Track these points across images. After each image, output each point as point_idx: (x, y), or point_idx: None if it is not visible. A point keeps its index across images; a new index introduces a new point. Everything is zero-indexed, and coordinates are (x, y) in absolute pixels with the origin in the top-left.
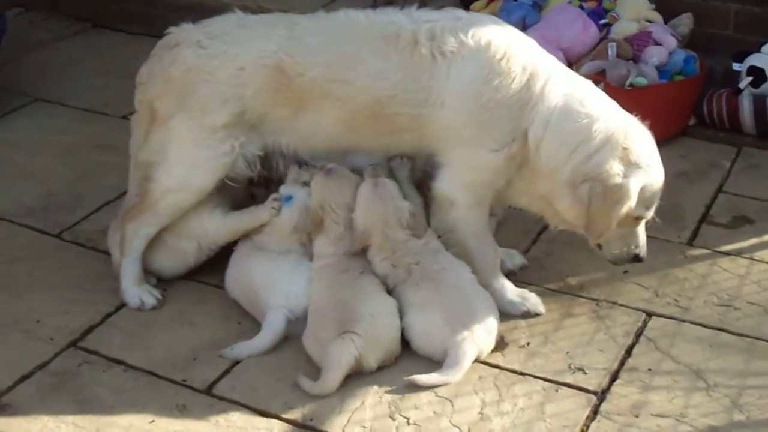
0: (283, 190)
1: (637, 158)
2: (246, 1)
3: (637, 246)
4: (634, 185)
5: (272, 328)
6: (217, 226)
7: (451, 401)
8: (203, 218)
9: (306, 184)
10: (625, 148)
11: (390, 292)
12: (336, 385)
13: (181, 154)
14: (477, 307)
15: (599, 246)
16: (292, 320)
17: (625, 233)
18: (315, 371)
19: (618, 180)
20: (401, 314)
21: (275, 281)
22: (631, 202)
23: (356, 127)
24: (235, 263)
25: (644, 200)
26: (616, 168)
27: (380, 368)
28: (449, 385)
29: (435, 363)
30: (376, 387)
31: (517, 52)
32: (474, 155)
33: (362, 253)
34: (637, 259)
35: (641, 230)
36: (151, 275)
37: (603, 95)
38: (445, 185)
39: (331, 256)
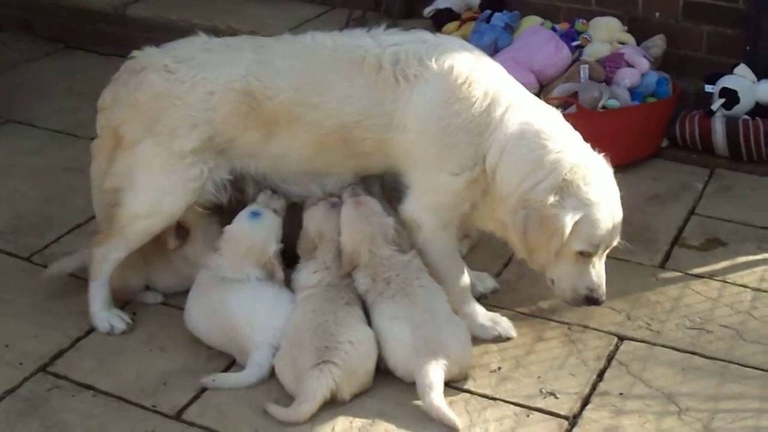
0: (253, 207)
1: (576, 191)
2: (216, 21)
3: (589, 287)
4: (569, 218)
5: (261, 370)
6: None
7: (422, 427)
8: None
9: (276, 211)
10: (565, 180)
11: (367, 312)
12: (308, 416)
13: (150, 180)
14: (446, 334)
15: (553, 283)
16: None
17: (572, 270)
18: (285, 397)
19: (551, 210)
20: (374, 328)
21: (260, 316)
22: (564, 235)
23: (325, 151)
24: (198, 297)
25: (585, 235)
26: (551, 198)
27: None
28: (421, 410)
29: (407, 388)
30: (346, 412)
31: (480, 77)
32: (435, 178)
33: (349, 278)
34: (590, 301)
35: (595, 270)
36: (158, 293)
37: (565, 127)
38: (411, 207)
39: (316, 287)
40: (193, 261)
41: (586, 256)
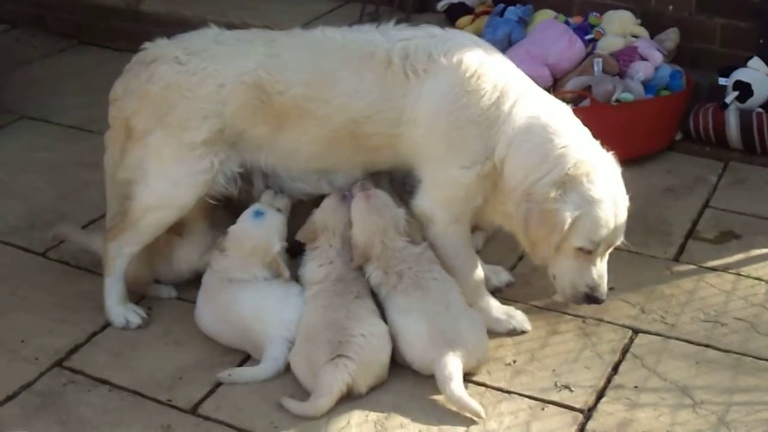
0: (257, 207)
1: (579, 187)
2: (230, 17)
3: (589, 285)
4: (569, 213)
5: (276, 363)
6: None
7: (437, 420)
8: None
9: (279, 210)
10: (568, 175)
11: (380, 306)
12: (325, 411)
13: (161, 171)
14: (462, 325)
15: (554, 278)
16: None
17: (573, 267)
18: (301, 391)
19: (553, 205)
20: (389, 322)
21: (270, 312)
22: (563, 230)
23: (335, 146)
24: (207, 301)
25: (586, 232)
26: (553, 193)
27: None
28: (436, 403)
29: (421, 381)
30: (361, 406)
31: (488, 70)
32: (447, 172)
33: (358, 272)
34: (589, 299)
35: (596, 269)
36: (172, 287)
37: (574, 122)
38: (423, 202)
39: (324, 281)
40: (179, 249)
41: (586, 253)
